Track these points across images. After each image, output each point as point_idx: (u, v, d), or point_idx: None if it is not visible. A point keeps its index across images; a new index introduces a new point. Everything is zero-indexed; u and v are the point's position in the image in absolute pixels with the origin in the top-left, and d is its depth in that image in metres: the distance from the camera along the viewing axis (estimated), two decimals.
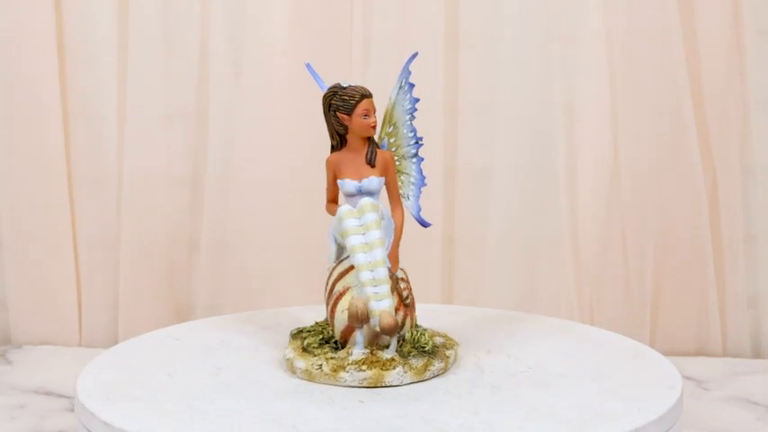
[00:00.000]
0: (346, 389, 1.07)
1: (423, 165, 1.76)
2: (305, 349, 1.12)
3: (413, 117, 1.19)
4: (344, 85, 1.14)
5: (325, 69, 1.73)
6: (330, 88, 1.15)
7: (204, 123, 1.79)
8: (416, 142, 1.19)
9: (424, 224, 1.19)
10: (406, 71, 1.20)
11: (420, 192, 1.20)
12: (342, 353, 1.10)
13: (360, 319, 1.07)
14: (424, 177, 1.20)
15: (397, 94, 1.19)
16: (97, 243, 1.82)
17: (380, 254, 1.09)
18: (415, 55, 1.21)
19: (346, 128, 1.13)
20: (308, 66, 1.20)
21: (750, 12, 1.70)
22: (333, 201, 1.16)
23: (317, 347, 1.11)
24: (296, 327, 1.21)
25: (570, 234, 1.75)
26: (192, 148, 1.80)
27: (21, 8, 1.75)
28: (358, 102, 1.12)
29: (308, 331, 1.16)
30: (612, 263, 1.76)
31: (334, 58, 1.75)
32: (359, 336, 1.09)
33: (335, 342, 1.13)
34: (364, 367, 1.08)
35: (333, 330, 1.13)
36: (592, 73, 1.73)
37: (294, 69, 1.73)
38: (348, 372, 1.08)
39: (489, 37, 1.74)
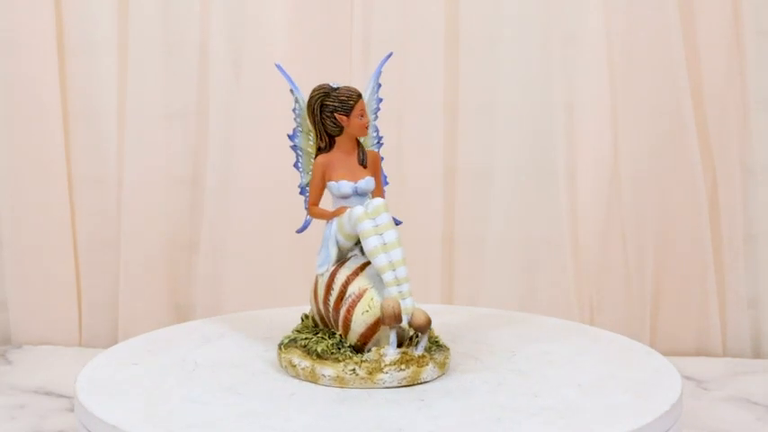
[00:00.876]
0: (383, 390, 1.06)
1: (422, 164, 1.77)
2: (319, 356, 1.09)
3: (377, 117, 1.20)
4: (335, 86, 1.13)
5: (325, 69, 1.74)
6: (318, 89, 1.13)
7: (204, 123, 1.79)
8: (378, 141, 1.19)
9: (395, 222, 1.19)
10: (380, 71, 1.19)
11: (384, 191, 1.20)
12: (372, 355, 1.08)
13: (397, 318, 1.07)
14: (386, 176, 1.20)
15: (370, 93, 1.19)
16: (97, 243, 1.82)
17: (400, 253, 1.09)
18: (389, 55, 1.21)
19: (341, 129, 1.13)
20: (278, 66, 1.19)
21: (750, 12, 1.70)
22: (316, 203, 1.15)
23: (336, 352, 1.09)
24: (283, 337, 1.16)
25: (570, 234, 1.75)
26: (191, 149, 1.80)
27: (21, 8, 1.75)
28: (356, 102, 1.13)
29: (305, 338, 1.13)
30: (612, 263, 1.76)
31: (334, 58, 1.75)
32: (393, 336, 1.08)
33: (351, 346, 1.10)
34: (403, 366, 1.07)
35: (344, 334, 1.10)
36: (592, 73, 1.73)
37: (294, 69, 1.72)
38: (387, 373, 1.07)
39: (489, 37, 1.74)
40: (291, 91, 1.17)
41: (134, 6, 1.75)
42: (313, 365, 1.09)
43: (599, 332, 1.29)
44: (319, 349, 1.09)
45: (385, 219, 1.10)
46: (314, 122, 1.14)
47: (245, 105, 1.75)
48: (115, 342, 1.77)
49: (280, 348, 1.13)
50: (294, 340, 1.13)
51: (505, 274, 1.77)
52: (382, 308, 1.07)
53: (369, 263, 1.11)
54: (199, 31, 1.77)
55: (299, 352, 1.11)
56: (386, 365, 1.07)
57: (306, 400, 1.04)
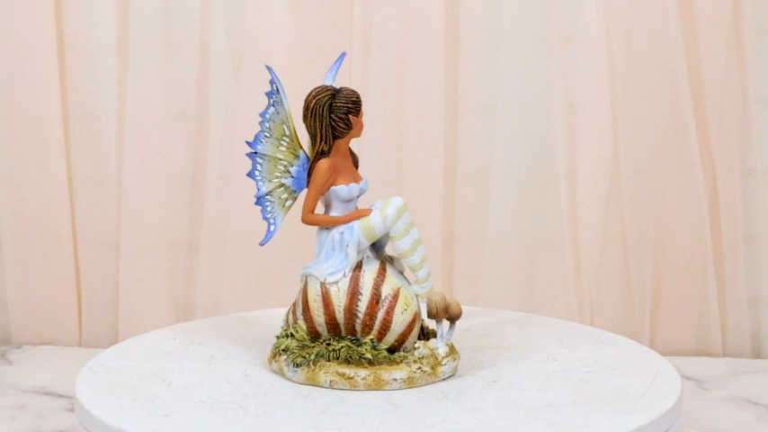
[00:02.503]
0: (447, 382, 1.07)
1: (422, 164, 1.77)
2: (371, 362, 1.07)
3: None
4: (337, 87, 1.10)
5: (324, 70, 1.73)
6: (324, 90, 1.10)
7: (204, 123, 1.79)
8: None
9: None
10: (334, 73, 1.15)
11: None
12: (423, 350, 1.08)
13: (447, 310, 1.09)
14: None
15: None
16: (97, 243, 1.82)
17: (423, 249, 1.10)
18: (342, 56, 1.19)
19: (349, 130, 1.10)
20: (268, 68, 1.13)
21: (750, 12, 1.71)
22: (314, 210, 1.11)
23: (385, 357, 1.08)
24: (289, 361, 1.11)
25: (570, 234, 1.75)
26: (192, 148, 1.81)
27: (21, 8, 1.75)
28: (361, 103, 1.11)
29: (332, 351, 1.08)
30: (612, 263, 1.76)
31: (334, 58, 1.74)
32: (441, 329, 1.09)
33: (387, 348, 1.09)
34: (454, 356, 1.09)
35: (380, 337, 1.08)
36: (592, 72, 1.73)
37: (294, 69, 1.73)
38: (446, 365, 1.08)
39: (489, 36, 1.74)
40: (272, 93, 1.12)
41: (134, 6, 1.75)
42: (376, 372, 1.07)
43: (599, 332, 1.29)
44: (370, 356, 1.07)
45: (409, 217, 1.10)
46: (319, 126, 1.10)
47: (245, 105, 1.75)
48: (115, 342, 1.77)
49: (308, 366, 1.08)
50: (319, 354, 1.08)
51: (505, 275, 1.77)
52: (435, 302, 1.08)
53: (384, 263, 1.10)
54: (199, 31, 1.77)
55: (335, 364, 1.08)
56: (443, 358, 1.08)
57: (414, 405, 1.02)
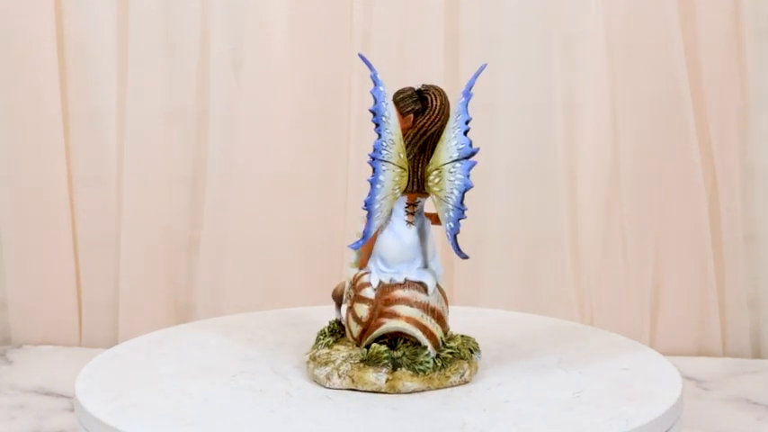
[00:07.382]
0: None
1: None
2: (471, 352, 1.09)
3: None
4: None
5: (325, 69, 1.73)
6: None
7: (204, 123, 1.79)
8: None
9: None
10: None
11: None
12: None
13: None
14: None
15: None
16: (97, 243, 1.82)
17: None
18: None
19: None
20: (482, 70, 1.10)
21: (750, 12, 1.71)
22: None
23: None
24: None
25: (570, 234, 1.75)
26: (192, 148, 1.81)
27: (21, 8, 1.75)
28: None
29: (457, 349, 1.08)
30: (612, 263, 1.76)
31: (334, 58, 1.75)
32: None
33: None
34: None
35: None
36: (592, 72, 1.73)
37: (294, 69, 1.73)
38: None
39: (489, 37, 1.74)
40: (465, 106, 1.09)
41: (134, 6, 1.75)
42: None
43: (599, 332, 1.29)
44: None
45: None
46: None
47: (245, 105, 1.75)
48: (115, 342, 1.77)
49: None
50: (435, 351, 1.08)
51: (505, 274, 1.77)
52: None
53: None
54: (199, 31, 1.77)
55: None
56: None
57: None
